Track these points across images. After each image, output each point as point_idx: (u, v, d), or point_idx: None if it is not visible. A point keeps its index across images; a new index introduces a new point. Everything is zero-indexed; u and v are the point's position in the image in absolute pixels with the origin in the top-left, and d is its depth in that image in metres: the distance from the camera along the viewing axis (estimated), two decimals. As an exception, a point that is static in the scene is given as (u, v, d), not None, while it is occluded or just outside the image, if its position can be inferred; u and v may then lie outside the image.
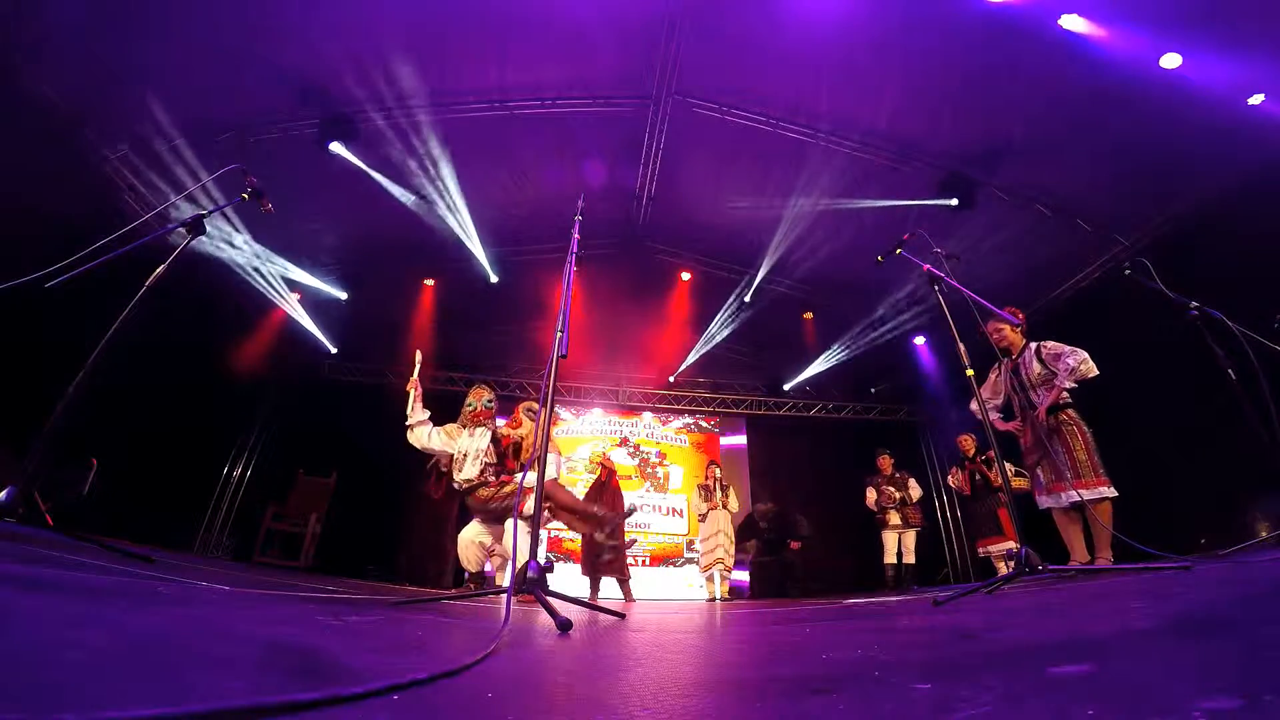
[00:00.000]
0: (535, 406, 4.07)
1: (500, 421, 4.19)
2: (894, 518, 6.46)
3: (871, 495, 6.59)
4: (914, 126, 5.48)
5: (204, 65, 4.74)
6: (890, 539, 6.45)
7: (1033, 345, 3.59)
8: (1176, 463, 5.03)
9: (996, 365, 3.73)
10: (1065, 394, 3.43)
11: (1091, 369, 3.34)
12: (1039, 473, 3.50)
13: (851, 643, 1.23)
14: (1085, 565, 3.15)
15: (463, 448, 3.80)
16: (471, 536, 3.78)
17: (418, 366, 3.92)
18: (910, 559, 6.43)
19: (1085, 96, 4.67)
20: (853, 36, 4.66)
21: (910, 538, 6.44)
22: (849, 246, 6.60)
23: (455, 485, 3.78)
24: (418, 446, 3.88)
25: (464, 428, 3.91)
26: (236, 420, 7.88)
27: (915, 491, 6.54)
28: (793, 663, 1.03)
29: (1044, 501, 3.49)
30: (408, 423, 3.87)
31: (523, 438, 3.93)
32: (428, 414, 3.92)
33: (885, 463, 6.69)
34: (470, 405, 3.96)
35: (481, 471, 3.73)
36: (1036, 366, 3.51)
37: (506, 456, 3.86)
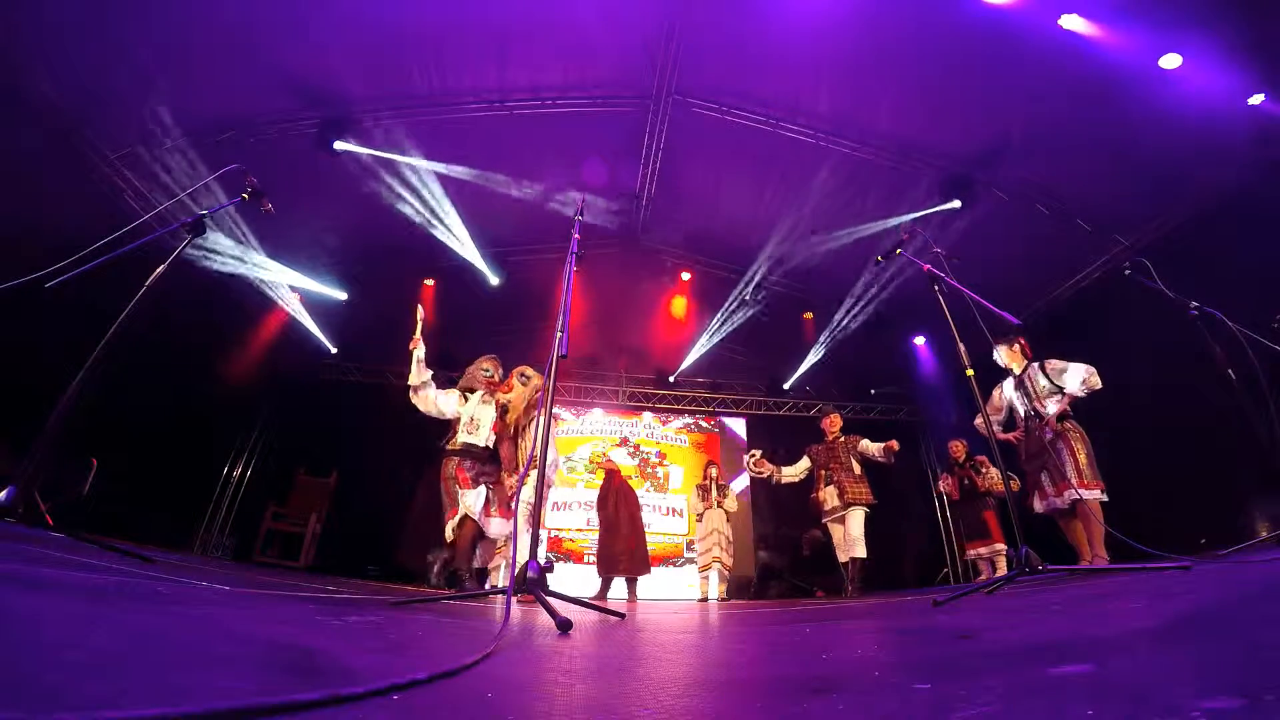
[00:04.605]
0: (528, 372, 4.00)
1: None
2: (830, 498, 5.05)
3: (805, 463, 5.41)
4: (914, 126, 5.47)
5: (204, 65, 4.74)
6: (837, 531, 5.12)
7: (1035, 364, 3.86)
8: (1176, 463, 5.03)
9: (999, 386, 4.04)
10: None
11: (1099, 381, 3.56)
12: (1041, 479, 3.71)
13: (851, 643, 1.23)
14: (1083, 565, 3.18)
15: (473, 413, 3.70)
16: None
17: (420, 323, 3.69)
18: (859, 551, 4.79)
19: (1085, 97, 4.67)
20: (853, 37, 4.66)
21: (857, 519, 4.89)
22: (849, 245, 6.60)
23: (459, 445, 3.67)
24: (422, 409, 3.71)
25: (473, 391, 3.80)
26: (236, 420, 7.87)
27: (875, 448, 5.05)
28: (793, 663, 1.03)
29: (1041, 506, 3.71)
30: (410, 383, 3.67)
31: (510, 401, 3.83)
32: (430, 374, 3.73)
33: (833, 422, 5.41)
34: (486, 371, 3.88)
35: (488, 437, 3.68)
36: (1042, 381, 3.78)
37: (496, 418, 3.80)
